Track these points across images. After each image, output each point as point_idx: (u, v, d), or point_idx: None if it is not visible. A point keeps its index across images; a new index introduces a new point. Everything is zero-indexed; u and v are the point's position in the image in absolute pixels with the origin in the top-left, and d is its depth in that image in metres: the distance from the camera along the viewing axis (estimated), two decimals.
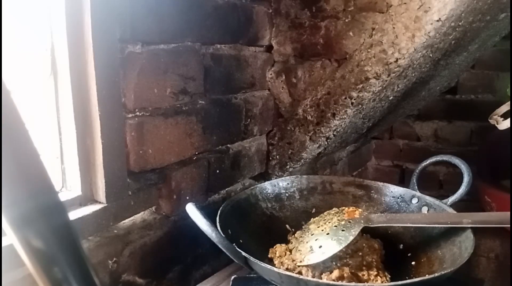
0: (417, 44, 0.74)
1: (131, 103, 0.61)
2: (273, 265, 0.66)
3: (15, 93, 0.55)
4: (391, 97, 0.93)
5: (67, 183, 0.60)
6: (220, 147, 0.80)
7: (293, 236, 0.74)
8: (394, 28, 0.75)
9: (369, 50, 0.78)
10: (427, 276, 0.55)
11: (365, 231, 0.70)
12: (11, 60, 0.53)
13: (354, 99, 0.82)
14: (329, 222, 0.69)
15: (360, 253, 0.66)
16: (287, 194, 0.82)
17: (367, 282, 0.62)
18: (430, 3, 0.70)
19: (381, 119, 1.11)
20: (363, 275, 0.63)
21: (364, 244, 0.69)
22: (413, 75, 0.88)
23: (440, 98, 1.41)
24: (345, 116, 0.85)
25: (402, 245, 0.74)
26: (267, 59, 0.89)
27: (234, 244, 0.58)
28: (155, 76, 0.64)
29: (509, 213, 0.64)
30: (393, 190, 0.81)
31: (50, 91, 0.56)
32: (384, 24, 0.76)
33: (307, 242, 0.67)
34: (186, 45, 0.68)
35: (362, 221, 0.67)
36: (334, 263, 0.63)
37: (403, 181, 1.52)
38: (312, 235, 0.68)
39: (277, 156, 0.93)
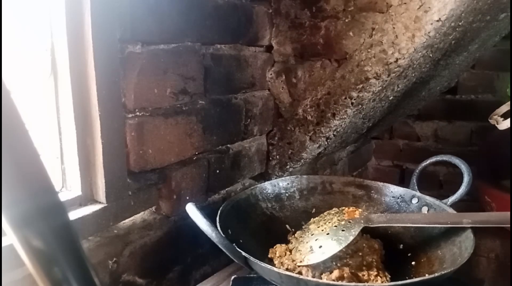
0: (417, 44, 0.74)
1: (131, 103, 0.61)
2: (273, 265, 0.66)
3: (15, 93, 0.55)
4: (391, 97, 0.93)
5: (67, 183, 0.60)
6: (220, 147, 0.80)
7: (293, 236, 0.74)
8: (394, 28, 0.75)
9: (369, 50, 0.78)
10: (427, 276, 0.55)
11: (365, 231, 0.70)
12: (11, 60, 0.53)
13: (354, 99, 0.82)
14: (329, 222, 0.69)
15: (360, 253, 0.66)
16: (287, 194, 0.82)
17: (367, 282, 0.62)
18: (430, 3, 0.70)
19: (381, 119, 1.11)
20: (363, 275, 0.63)
21: (364, 244, 0.69)
22: (413, 75, 0.88)
23: (440, 98, 1.41)
24: (345, 116, 0.85)
25: (402, 245, 0.74)
26: (267, 59, 0.89)
27: (234, 244, 0.58)
28: (155, 76, 0.63)
29: (509, 213, 0.64)
30: (393, 190, 0.81)
31: (50, 91, 0.56)
32: (384, 24, 0.76)
33: (307, 242, 0.67)
34: (186, 45, 0.68)
35: (362, 221, 0.67)
36: (334, 263, 0.63)
37: (403, 181, 1.52)
38: (312, 235, 0.68)
39: (277, 156, 0.93)
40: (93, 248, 0.58)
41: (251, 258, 0.56)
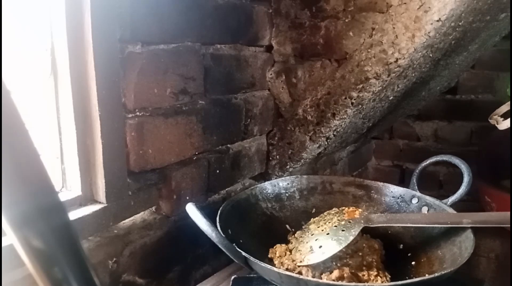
0: (417, 44, 0.74)
1: (131, 103, 0.61)
2: (273, 265, 0.66)
3: (15, 93, 0.55)
4: (391, 97, 0.93)
5: (67, 183, 0.60)
6: (220, 147, 0.80)
7: (293, 236, 0.74)
8: (394, 28, 0.75)
9: (369, 50, 0.78)
10: (427, 276, 0.55)
11: (365, 231, 0.70)
12: (11, 60, 0.53)
13: (354, 99, 0.82)
14: (329, 222, 0.69)
15: (360, 253, 0.66)
16: (287, 194, 0.82)
17: (367, 282, 0.62)
18: (430, 3, 0.70)
19: (381, 119, 1.11)
20: (363, 275, 0.63)
21: (364, 244, 0.69)
22: (413, 75, 0.88)
23: (440, 98, 1.41)
24: (345, 116, 0.85)
25: (402, 245, 0.74)
26: (267, 59, 0.89)
27: (234, 244, 0.58)
28: (155, 76, 0.64)
29: (509, 213, 0.64)
30: (393, 190, 0.81)
31: (50, 91, 0.56)
32: (384, 24, 0.76)
33: (307, 242, 0.67)
34: (186, 45, 0.68)
35: (362, 221, 0.67)
36: (334, 263, 0.63)
37: (403, 181, 1.52)
38: (312, 235, 0.68)
39: (277, 156, 0.93)
40: (93, 248, 0.58)
41: (251, 258, 0.56)
